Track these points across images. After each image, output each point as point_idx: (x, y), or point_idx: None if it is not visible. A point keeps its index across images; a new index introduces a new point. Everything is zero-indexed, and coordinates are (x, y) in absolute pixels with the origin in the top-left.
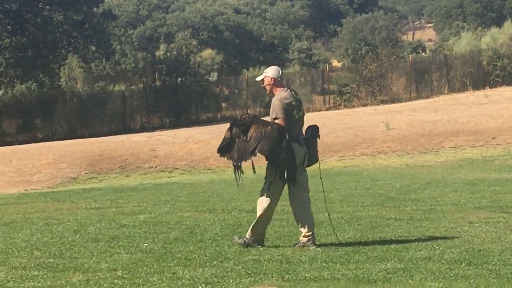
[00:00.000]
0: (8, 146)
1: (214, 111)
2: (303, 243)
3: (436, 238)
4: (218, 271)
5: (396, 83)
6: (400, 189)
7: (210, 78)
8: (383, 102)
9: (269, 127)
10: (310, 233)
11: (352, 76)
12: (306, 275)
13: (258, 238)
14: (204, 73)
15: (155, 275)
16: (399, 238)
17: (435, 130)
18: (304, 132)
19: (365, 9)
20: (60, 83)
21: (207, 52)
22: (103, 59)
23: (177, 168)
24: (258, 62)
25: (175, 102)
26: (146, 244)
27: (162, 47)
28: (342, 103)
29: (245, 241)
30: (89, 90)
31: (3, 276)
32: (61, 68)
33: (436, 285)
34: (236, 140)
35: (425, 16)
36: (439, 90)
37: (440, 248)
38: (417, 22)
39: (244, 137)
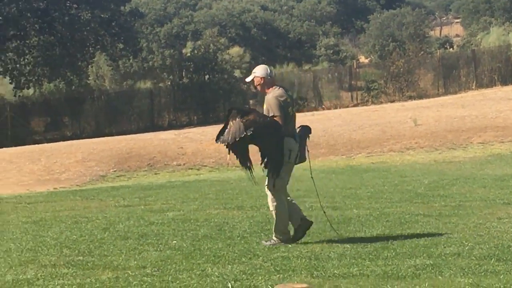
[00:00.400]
0: (36, 145)
1: None
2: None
3: (465, 234)
4: (247, 268)
5: (424, 78)
6: (429, 185)
7: (237, 75)
8: (410, 98)
9: (268, 119)
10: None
11: (379, 72)
12: (335, 271)
13: (285, 237)
14: (231, 71)
15: (184, 272)
16: (428, 234)
17: (463, 126)
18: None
19: (392, 5)
20: (88, 81)
21: (235, 50)
22: (131, 57)
23: (205, 166)
24: (285, 59)
25: (202, 100)
26: (175, 242)
27: (189, 44)
28: (370, 99)
29: (273, 242)
30: (117, 88)
31: (33, 274)
32: (89, 66)
33: (466, 281)
34: (232, 122)
35: (452, 12)
36: (467, 86)
37: (469, 244)
38: (444, 18)
39: (242, 118)
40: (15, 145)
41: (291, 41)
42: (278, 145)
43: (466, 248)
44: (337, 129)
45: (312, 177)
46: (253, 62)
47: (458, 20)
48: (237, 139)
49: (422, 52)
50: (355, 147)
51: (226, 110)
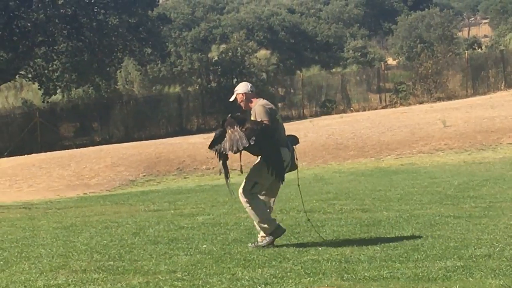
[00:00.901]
0: (66, 150)
1: None
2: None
3: (496, 235)
4: (277, 272)
5: (452, 80)
6: (458, 187)
7: (265, 78)
8: (439, 99)
9: (262, 125)
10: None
11: (407, 74)
12: (366, 274)
13: (272, 230)
14: (259, 74)
15: (215, 276)
16: (458, 236)
17: (492, 127)
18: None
19: (420, 6)
20: (116, 86)
21: (262, 53)
22: (159, 62)
23: (234, 169)
24: (313, 62)
25: (231, 103)
26: (205, 246)
27: (216, 48)
28: (398, 101)
29: (265, 242)
30: (146, 92)
31: (64, 279)
32: (117, 71)
33: (497, 282)
34: (230, 131)
35: (480, 12)
36: (495, 86)
37: (500, 246)
38: (472, 18)
39: (240, 127)
40: (45, 151)
41: (318, 44)
42: (275, 148)
43: (497, 249)
44: (365, 131)
45: (298, 185)
46: (281, 65)
47: (486, 21)
48: (240, 149)
49: (450, 53)
50: (384, 149)
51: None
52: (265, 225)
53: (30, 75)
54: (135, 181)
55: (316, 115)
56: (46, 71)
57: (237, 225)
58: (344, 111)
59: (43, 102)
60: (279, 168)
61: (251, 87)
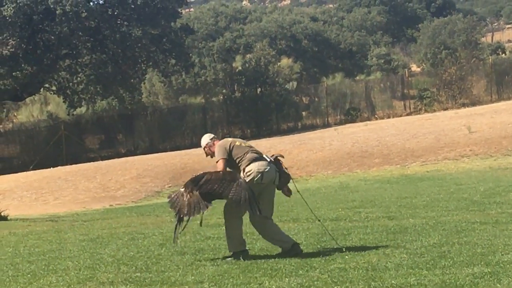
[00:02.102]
0: (91, 162)
1: (294, 120)
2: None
3: None
4: (304, 281)
5: (477, 85)
6: (485, 193)
7: (288, 87)
8: (464, 105)
9: (220, 172)
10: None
11: (431, 80)
12: (393, 282)
13: (240, 247)
14: (283, 83)
15: (242, 286)
16: (485, 242)
17: None
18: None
19: (443, 13)
20: (141, 98)
21: (286, 61)
22: (183, 73)
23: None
24: (337, 70)
25: (255, 113)
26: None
27: (240, 58)
28: (423, 108)
29: (232, 256)
30: (170, 103)
31: None
32: (141, 83)
33: None
34: (188, 195)
35: (503, 17)
36: None
37: None
38: (495, 24)
39: (198, 188)
40: (70, 163)
41: (342, 52)
42: (244, 185)
43: None
44: (390, 138)
45: (298, 191)
46: (304, 73)
47: (509, 26)
48: (199, 213)
49: (474, 59)
50: (409, 156)
51: (279, 123)
52: (231, 243)
53: (54, 88)
54: (161, 192)
55: (340, 123)
56: (70, 84)
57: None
58: (368, 119)
59: (68, 114)
60: (251, 201)
61: (211, 137)
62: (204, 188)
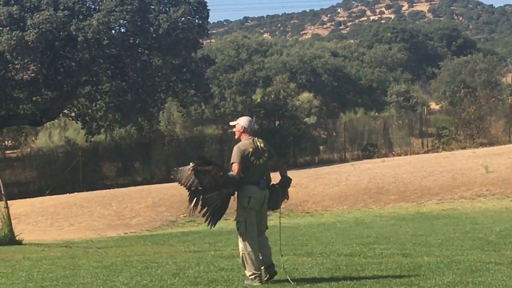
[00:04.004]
0: (108, 190)
1: (311, 154)
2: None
3: None
4: None
5: (495, 125)
6: (500, 233)
7: (308, 120)
8: (482, 145)
9: (221, 173)
10: (258, 272)
11: (450, 119)
12: None
13: (256, 275)
14: (301, 116)
15: None
16: (499, 283)
17: None
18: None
19: (463, 52)
20: (159, 127)
21: (305, 95)
22: (202, 103)
23: (280, 213)
24: (356, 105)
25: (273, 145)
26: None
27: (259, 90)
28: (441, 146)
29: (249, 282)
30: (187, 133)
31: None
32: (160, 112)
33: None
34: (189, 171)
35: None
36: None
37: None
38: None
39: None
40: (87, 190)
41: (361, 87)
42: (226, 197)
43: None
44: (407, 175)
45: (279, 222)
46: (324, 108)
47: None
48: (187, 189)
49: (493, 99)
50: (426, 193)
51: (296, 156)
52: (250, 268)
53: (73, 114)
54: (175, 222)
55: (358, 158)
56: (89, 111)
57: (277, 268)
58: (386, 155)
59: (86, 141)
60: (215, 212)
61: (252, 125)
62: (199, 175)
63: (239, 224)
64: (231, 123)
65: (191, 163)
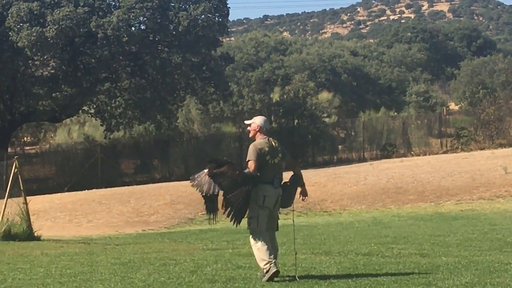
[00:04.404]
0: (126, 187)
1: (330, 154)
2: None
3: None
4: None
5: None
6: None
7: (327, 120)
8: (501, 145)
9: (237, 171)
10: (272, 259)
11: (469, 119)
12: None
13: (271, 261)
14: (320, 116)
15: None
16: None
17: None
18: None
19: (483, 52)
20: (177, 124)
21: (324, 95)
22: (221, 101)
23: (293, 210)
24: (375, 105)
25: (291, 144)
26: (263, 286)
27: (277, 89)
28: (460, 146)
29: (262, 274)
30: (206, 131)
31: None
32: (179, 109)
33: None
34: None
35: None
36: None
37: None
38: None
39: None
40: (105, 187)
41: (381, 87)
42: (246, 195)
43: None
44: (426, 176)
45: (293, 221)
46: (343, 107)
47: None
48: (207, 194)
49: None
50: (444, 194)
51: (315, 155)
52: (263, 264)
53: (92, 111)
54: (194, 219)
55: (376, 158)
56: (108, 108)
57: (295, 266)
58: (404, 155)
59: (104, 138)
60: (238, 211)
61: (267, 125)
62: (217, 179)
63: (251, 219)
64: (246, 122)
65: (205, 170)
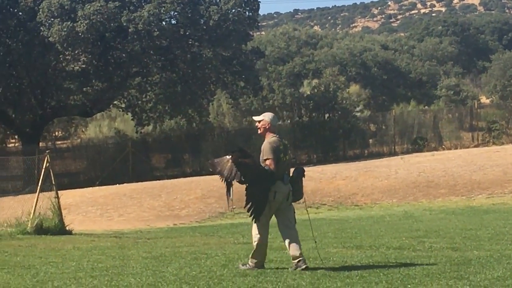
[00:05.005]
0: (157, 181)
1: (361, 147)
2: (295, 265)
3: None
4: None
5: None
6: None
7: (358, 114)
8: None
9: (260, 167)
10: (299, 255)
11: (501, 113)
12: None
13: (259, 264)
14: (351, 109)
15: None
16: None
17: None
18: (291, 172)
19: None
20: (208, 119)
21: (355, 88)
22: (251, 95)
23: (324, 204)
24: (406, 99)
25: (322, 138)
26: (295, 280)
27: (307, 83)
28: (491, 140)
29: (248, 266)
30: (236, 125)
31: None
32: (210, 103)
33: None
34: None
35: None
36: None
37: None
38: None
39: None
40: (136, 181)
41: (411, 81)
42: (265, 191)
43: None
44: (457, 169)
45: (307, 210)
46: (372, 101)
47: None
48: (228, 180)
49: None
50: (476, 188)
51: (346, 149)
52: (256, 259)
53: (123, 106)
54: (225, 214)
55: (407, 152)
56: (139, 102)
57: (326, 260)
58: (435, 149)
59: (136, 132)
60: (258, 206)
61: (276, 121)
62: (241, 168)
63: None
64: (255, 118)
65: (227, 156)
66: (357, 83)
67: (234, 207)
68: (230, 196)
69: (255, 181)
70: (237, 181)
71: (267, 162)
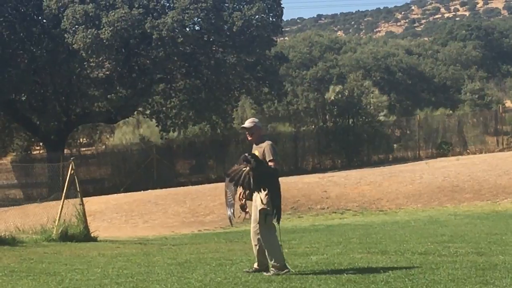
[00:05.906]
0: (182, 187)
1: (385, 152)
2: (273, 272)
3: None
4: None
5: None
6: None
7: (382, 118)
8: None
9: (274, 170)
10: (278, 264)
11: None
12: None
13: (281, 267)
14: (375, 114)
15: None
16: None
17: None
18: None
19: None
20: (232, 124)
21: (379, 94)
22: (275, 101)
23: (349, 209)
24: (430, 103)
25: (346, 143)
26: (320, 286)
27: (332, 88)
28: None
29: (272, 272)
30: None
31: None
32: (234, 109)
33: None
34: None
35: None
36: None
37: None
38: None
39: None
40: (161, 187)
41: (435, 86)
42: (279, 190)
43: None
44: (482, 174)
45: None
46: (397, 105)
47: None
48: (238, 186)
49: None
50: (501, 192)
51: (370, 154)
52: (277, 260)
53: (148, 112)
54: (249, 220)
55: (432, 156)
56: (164, 108)
57: (351, 266)
58: (460, 153)
59: (160, 138)
60: (279, 210)
61: (258, 127)
62: (261, 172)
63: (270, 217)
64: (245, 125)
65: (241, 166)
66: (381, 88)
67: (236, 221)
68: (232, 211)
69: (273, 184)
70: (246, 193)
71: (272, 163)
